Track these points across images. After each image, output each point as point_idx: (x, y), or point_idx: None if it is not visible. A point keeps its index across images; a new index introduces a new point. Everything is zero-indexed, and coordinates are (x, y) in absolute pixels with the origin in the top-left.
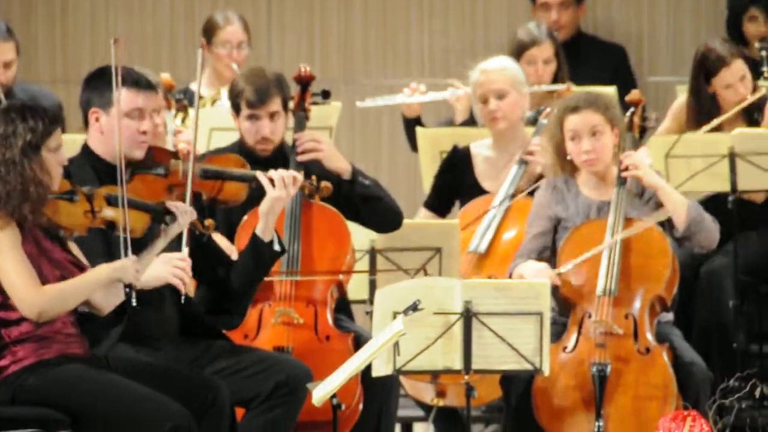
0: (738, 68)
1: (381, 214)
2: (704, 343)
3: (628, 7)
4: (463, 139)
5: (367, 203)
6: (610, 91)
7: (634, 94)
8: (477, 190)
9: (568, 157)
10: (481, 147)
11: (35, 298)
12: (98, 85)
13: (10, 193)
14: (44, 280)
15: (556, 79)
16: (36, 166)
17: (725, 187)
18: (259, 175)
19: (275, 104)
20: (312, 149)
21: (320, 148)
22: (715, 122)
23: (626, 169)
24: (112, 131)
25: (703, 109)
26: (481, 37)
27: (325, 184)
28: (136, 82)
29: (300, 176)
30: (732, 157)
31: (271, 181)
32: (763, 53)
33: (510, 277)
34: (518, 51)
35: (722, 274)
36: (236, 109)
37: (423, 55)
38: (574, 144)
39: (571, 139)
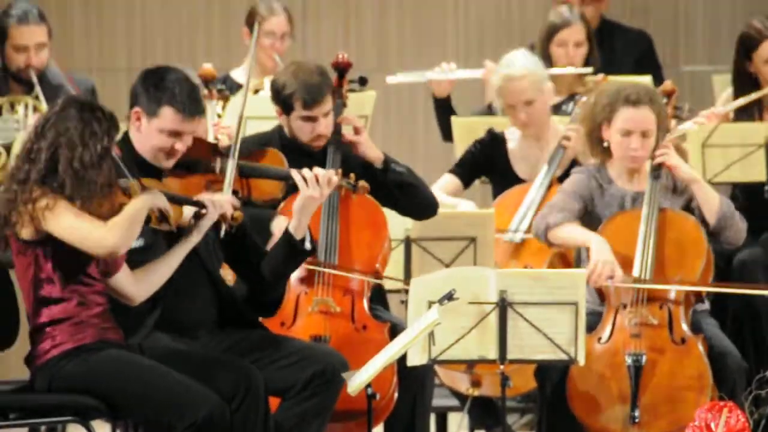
0: None
1: (416, 201)
2: (738, 333)
3: None
4: (498, 127)
5: (401, 190)
6: (647, 81)
7: (667, 85)
8: (509, 173)
9: (605, 144)
10: (514, 133)
11: (107, 233)
12: (150, 89)
13: (66, 181)
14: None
15: (587, 64)
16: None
17: (761, 176)
18: (294, 174)
19: (328, 103)
20: (351, 139)
21: (359, 138)
22: (754, 96)
23: (661, 161)
24: (149, 137)
25: (744, 90)
26: (517, 25)
27: (362, 183)
28: (185, 107)
29: (336, 177)
30: None
31: (305, 180)
32: None
33: (549, 228)
34: (549, 33)
35: (756, 264)
36: (287, 108)
37: (458, 44)
38: (623, 138)
39: (621, 132)
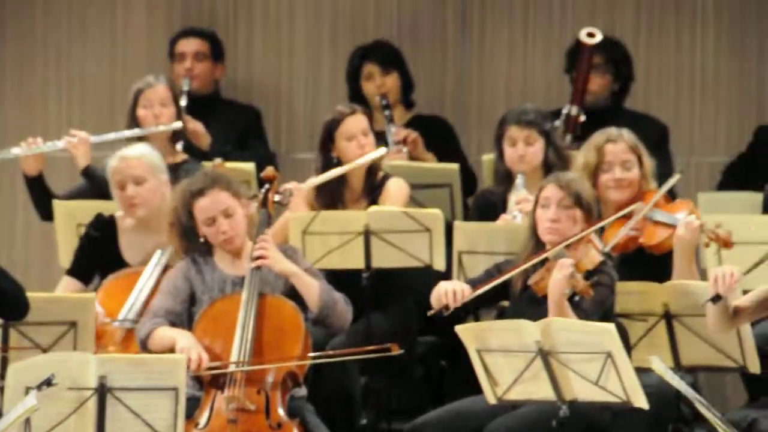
0: (360, 120)
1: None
2: (332, 419)
3: (268, 76)
4: (105, 211)
5: None
6: (248, 167)
7: (268, 171)
8: (118, 260)
9: (201, 239)
10: (125, 221)
11: None
12: None
13: None
14: None
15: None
16: None
17: (360, 263)
18: None
19: None
20: None
21: None
22: (335, 172)
23: (259, 258)
24: None
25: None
26: (120, 95)
27: None
28: None
29: None
30: (367, 234)
31: None
32: (386, 112)
33: (143, 339)
34: (135, 97)
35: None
36: None
37: (61, 116)
38: (208, 228)
39: (204, 222)
